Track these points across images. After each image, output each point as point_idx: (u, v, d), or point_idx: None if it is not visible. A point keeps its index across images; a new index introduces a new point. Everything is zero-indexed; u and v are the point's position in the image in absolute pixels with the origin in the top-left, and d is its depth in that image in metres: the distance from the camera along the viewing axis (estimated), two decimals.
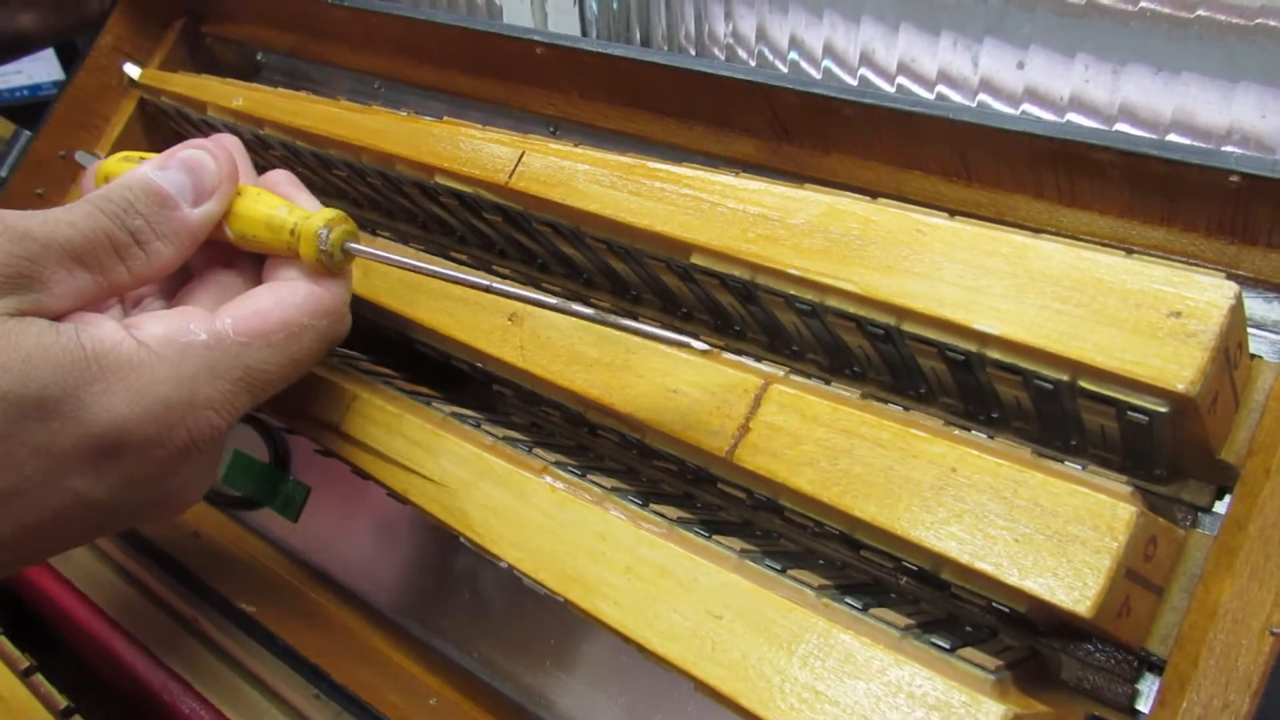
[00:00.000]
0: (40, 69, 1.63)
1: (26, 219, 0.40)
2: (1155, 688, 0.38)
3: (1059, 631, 0.40)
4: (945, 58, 0.64)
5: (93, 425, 0.39)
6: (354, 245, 0.46)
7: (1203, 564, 0.36)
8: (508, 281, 0.46)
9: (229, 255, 0.48)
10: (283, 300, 0.44)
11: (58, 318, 0.40)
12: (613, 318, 0.40)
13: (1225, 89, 0.57)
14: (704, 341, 0.39)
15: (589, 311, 0.41)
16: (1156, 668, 0.38)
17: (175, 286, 0.48)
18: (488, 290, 0.44)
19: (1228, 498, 0.38)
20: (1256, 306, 0.42)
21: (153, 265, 0.44)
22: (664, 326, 0.40)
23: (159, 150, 0.71)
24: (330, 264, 0.45)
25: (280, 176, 0.50)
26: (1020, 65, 0.62)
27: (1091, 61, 0.60)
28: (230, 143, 0.49)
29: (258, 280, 0.47)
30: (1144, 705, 0.38)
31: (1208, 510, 0.40)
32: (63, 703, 0.60)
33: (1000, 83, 0.63)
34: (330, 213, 0.45)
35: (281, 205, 0.46)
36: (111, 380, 0.39)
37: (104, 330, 0.40)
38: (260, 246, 0.46)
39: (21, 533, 0.39)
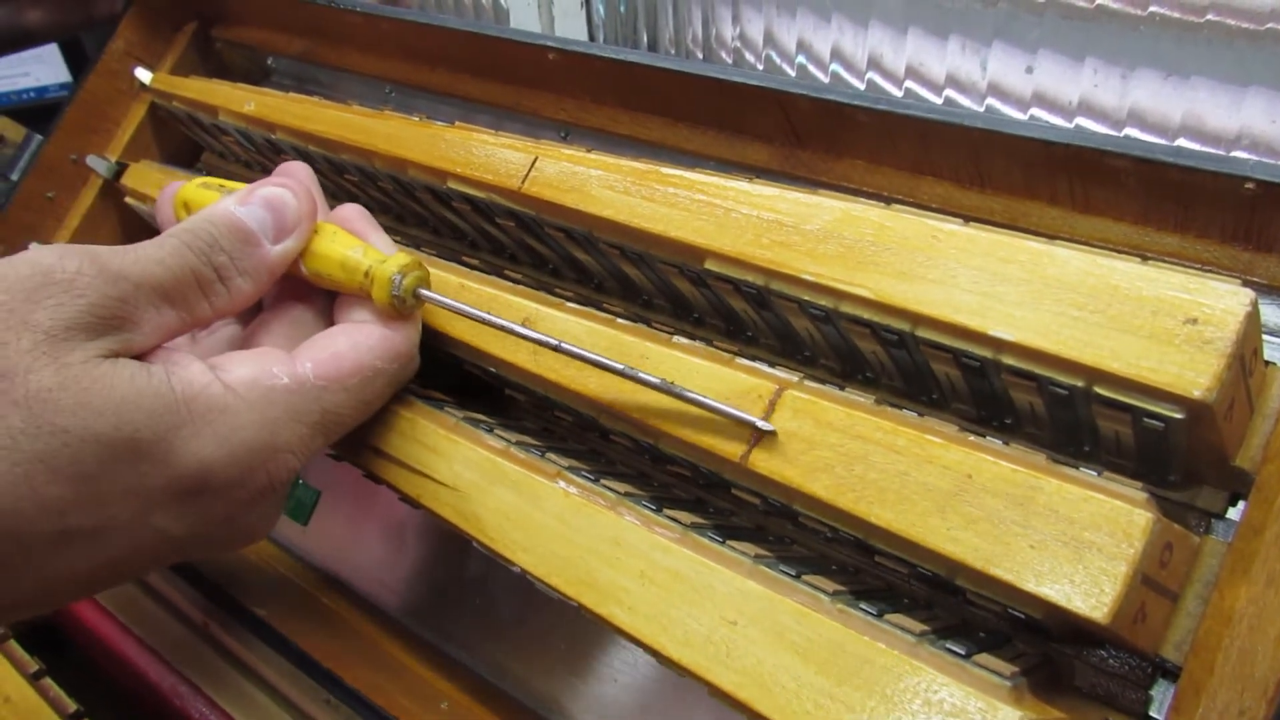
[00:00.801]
0: (47, 72, 1.63)
1: (119, 257, 0.40)
2: (1169, 694, 0.38)
3: (1073, 638, 0.40)
4: (954, 62, 0.65)
5: (180, 467, 0.39)
6: (426, 292, 0.46)
7: (1218, 570, 0.36)
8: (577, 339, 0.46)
9: (302, 289, 0.49)
10: (358, 344, 0.45)
11: (143, 355, 0.41)
12: (676, 387, 0.41)
13: (1235, 94, 0.57)
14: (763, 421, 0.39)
15: (655, 380, 0.41)
16: (1171, 674, 0.38)
17: (248, 316, 0.49)
18: (556, 349, 0.44)
19: (1242, 504, 0.38)
20: (1271, 314, 0.42)
21: (234, 300, 0.44)
22: (721, 400, 0.40)
23: (173, 150, 0.72)
24: (402, 309, 0.46)
25: (353, 212, 0.50)
26: (1029, 70, 0.63)
27: (1100, 66, 0.60)
28: (305, 175, 0.50)
29: (329, 315, 0.48)
30: (1157, 712, 0.38)
31: (1221, 517, 0.40)
32: (72, 706, 0.61)
33: (1009, 87, 0.63)
34: (404, 258, 0.46)
35: (357, 246, 0.47)
36: (200, 424, 0.40)
37: (192, 373, 0.40)
38: (334, 285, 0.47)
39: (103, 568, 0.40)
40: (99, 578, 0.41)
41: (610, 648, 0.53)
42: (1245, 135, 0.57)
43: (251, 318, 0.49)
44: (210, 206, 0.45)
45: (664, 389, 0.41)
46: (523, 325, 0.45)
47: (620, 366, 0.42)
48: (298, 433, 0.43)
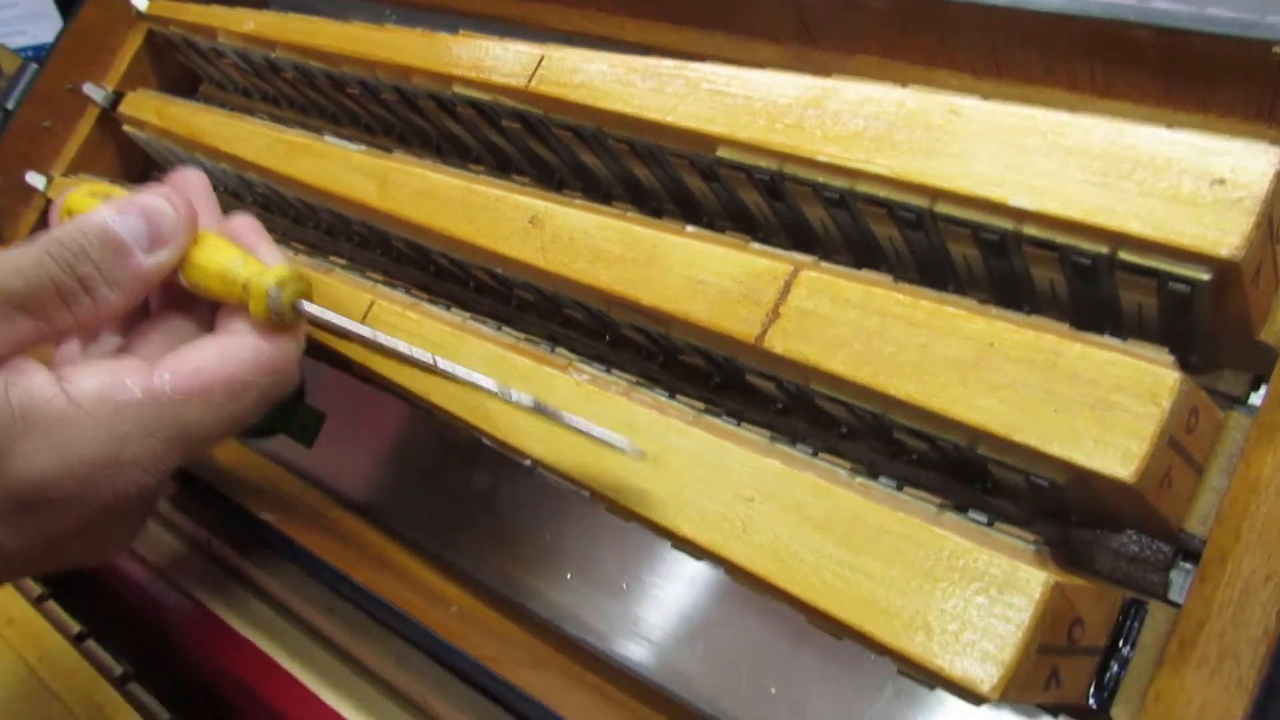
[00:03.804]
0: (43, 29, 1.61)
1: None
2: (1189, 578, 0.37)
3: (1094, 522, 0.39)
4: None
5: (14, 481, 0.38)
6: (306, 305, 0.45)
7: (1242, 445, 0.36)
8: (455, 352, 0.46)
9: (185, 300, 0.47)
10: (227, 356, 0.43)
11: None
12: (550, 408, 0.41)
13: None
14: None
15: (527, 400, 0.41)
16: (1193, 555, 0.37)
17: (133, 323, 0.48)
18: (431, 369, 0.44)
19: (1264, 389, 0.38)
20: None
21: (99, 311, 0.43)
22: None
23: (172, 82, 0.71)
24: (280, 322, 0.44)
25: (243, 224, 0.49)
26: None
27: None
28: (195, 184, 0.49)
29: (210, 327, 0.47)
30: (1177, 595, 0.38)
31: (1243, 402, 0.39)
32: (76, 627, 0.60)
33: None
34: (283, 270, 0.45)
35: (238, 257, 0.45)
36: (36, 436, 0.38)
37: (34, 383, 0.39)
38: (213, 296, 0.46)
39: None
40: None
41: (617, 560, 0.52)
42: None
43: (136, 324, 0.48)
44: (84, 215, 0.43)
45: (536, 409, 0.41)
46: (406, 343, 0.46)
47: (494, 386, 0.42)
48: (149, 447, 0.41)
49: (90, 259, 0.42)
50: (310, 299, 0.45)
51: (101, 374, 0.41)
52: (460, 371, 0.43)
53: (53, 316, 0.41)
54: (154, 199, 0.45)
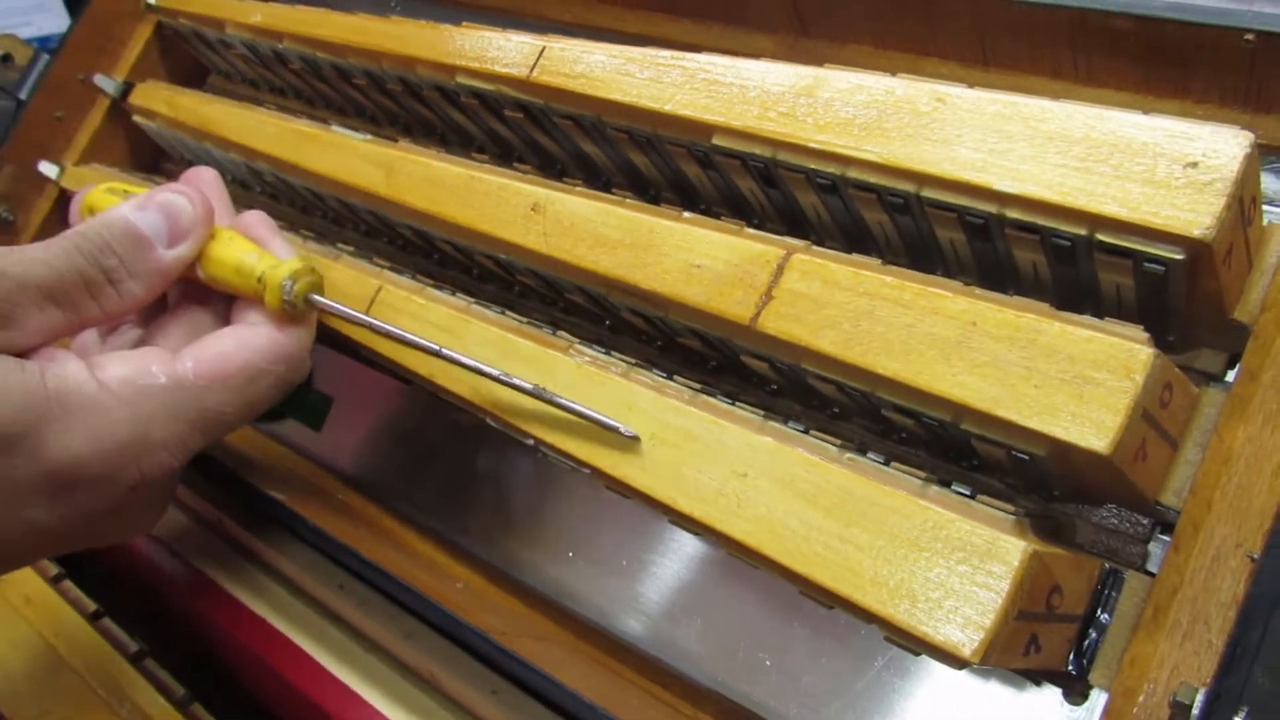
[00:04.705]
0: (49, 21, 1.63)
1: (3, 257, 0.41)
2: (1166, 547, 0.39)
3: (1074, 496, 0.41)
4: None
5: (50, 462, 0.40)
6: (317, 297, 0.47)
7: (1216, 419, 0.37)
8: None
9: (203, 293, 0.50)
10: (244, 344, 0.46)
11: (25, 353, 0.42)
12: (549, 393, 0.43)
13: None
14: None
15: (527, 385, 0.43)
16: (1169, 527, 0.38)
17: (151, 316, 0.50)
18: (437, 355, 0.46)
19: (1239, 366, 0.39)
20: (1269, 181, 0.42)
21: (124, 303, 0.45)
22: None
23: (180, 74, 0.72)
24: (294, 313, 0.47)
25: (255, 219, 0.51)
26: None
27: None
28: (209, 181, 0.51)
29: (227, 319, 0.49)
30: (1155, 566, 0.39)
31: (1219, 379, 0.40)
32: (91, 605, 0.62)
33: None
34: (296, 264, 0.47)
35: (252, 251, 0.48)
36: (71, 420, 0.41)
37: (67, 370, 0.41)
38: (229, 289, 0.48)
39: None
40: None
41: (617, 538, 0.54)
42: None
43: (155, 317, 0.50)
44: (107, 211, 0.46)
45: (535, 394, 0.43)
46: (412, 333, 0.47)
47: (497, 373, 0.44)
48: (174, 430, 0.43)
49: (115, 253, 0.45)
50: (322, 291, 0.48)
51: (129, 361, 0.43)
52: (464, 359, 0.45)
53: (81, 307, 0.44)
54: (173, 196, 0.47)
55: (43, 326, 0.43)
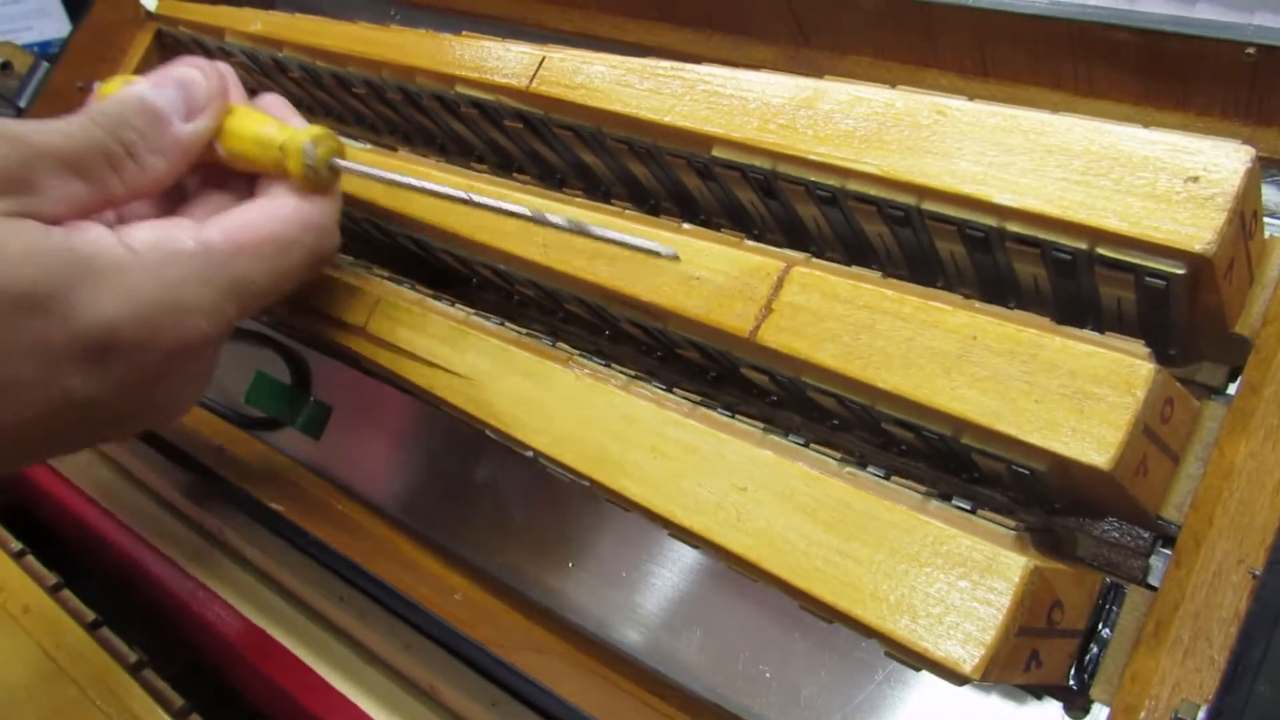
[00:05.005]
0: (49, 26, 1.63)
1: (21, 125, 0.41)
2: (1168, 561, 0.39)
3: (1076, 510, 0.41)
4: None
5: (83, 324, 0.40)
6: (340, 161, 0.47)
7: (1217, 433, 0.37)
8: (489, 192, 0.47)
9: (224, 176, 0.49)
10: (270, 214, 0.46)
11: (52, 224, 0.41)
12: (586, 225, 0.42)
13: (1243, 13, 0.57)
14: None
15: (561, 220, 0.43)
16: (1171, 541, 0.38)
17: (172, 207, 0.49)
18: (467, 203, 0.46)
19: (1241, 380, 0.39)
20: (1270, 194, 0.42)
21: (146, 177, 0.45)
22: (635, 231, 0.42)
23: None
24: (317, 179, 0.46)
25: (272, 100, 0.51)
26: None
27: None
28: (223, 66, 0.50)
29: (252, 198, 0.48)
30: (1156, 580, 0.39)
31: (1221, 392, 0.40)
32: (90, 615, 0.62)
33: None
34: (316, 130, 0.47)
35: (271, 124, 0.48)
36: (100, 282, 0.40)
37: (94, 234, 0.41)
38: (251, 164, 0.48)
39: (16, 428, 0.41)
40: (17, 442, 0.42)
41: (616, 549, 0.54)
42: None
43: (176, 208, 0.49)
44: (122, 89, 0.45)
45: (574, 229, 0.43)
46: (427, 181, 0.47)
47: (528, 211, 0.44)
48: (206, 296, 0.43)
49: (133, 126, 0.44)
50: (344, 156, 0.47)
51: (155, 228, 0.43)
52: (494, 203, 0.45)
53: (103, 179, 0.43)
54: (187, 70, 0.47)
55: (66, 196, 0.42)
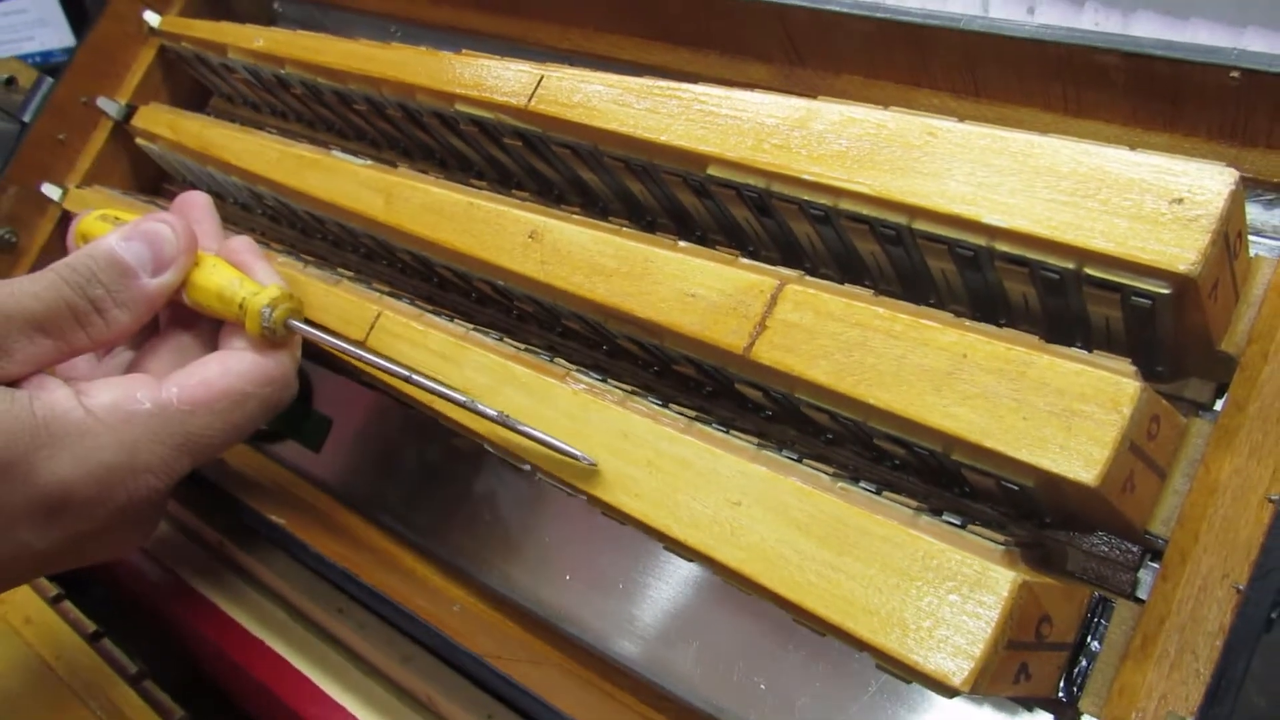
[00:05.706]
0: (52, 36, 1.64)
1: None
2: (1155, 575, 0.39)
3: (1065, 523, 0.41)
4: None
5: (41, 486, 0.42)
6: (296, 323, 0.49)
7: (1203, 449, 0.38)
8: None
9: (190, 318, 0.52)
10: (229, 370, 0.47)
11: (15, 381, 0.44)
12: (512, 420, 0.44)
13: (1233, 34, 0.58)
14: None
15: (492, 412, 0.44)
16: (1158, 555, 0.39)
17: (144, 338, 0.52)
18: (408, 380, 0.47)
19: (1226, 397, 0.40)
20: (1255, 212, 0.43)
21: (111, 331, 0.47)
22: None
23: (183, 97, 0.73)
24: (274, 339, 0.49)
25: (241, 244, 0.53)
26: (1030, 10, 0.64)
27: (1100, 7, 0.61)
28: (199, 205, 0.53)
29: (214, 343, 0.51)
30: (1144, 593, 0.40)
31: (1208, 408, 0.41)
32: (91, 627, 0.62)
33: None
34: (275, 291, 0.49)
35: (235, 278, 0.50)
36: (59, 445, 0.42)
37: (56, 397, 0.43)
38: (214, 314, 0.50)
39: None
40: None
41: (613, 562, 0.54)
42: None
43: (147, 339, 0.52)
44: (94, 242, 0.47)
45: (499, 421, 0.44)
46: (376, 354, 0.49)
47: (463, 399, 0.45)
48: (159, 454, 0.45)
49: (100, 283, 0.46)
50: (301, 317, 0.49)
51: (115, 388, 0.45)
52: (430, 384, 0.46)
53: (69, 336, 0.45)
54: (157, 225, 0.49)
55: (32, 356, 0.44)
